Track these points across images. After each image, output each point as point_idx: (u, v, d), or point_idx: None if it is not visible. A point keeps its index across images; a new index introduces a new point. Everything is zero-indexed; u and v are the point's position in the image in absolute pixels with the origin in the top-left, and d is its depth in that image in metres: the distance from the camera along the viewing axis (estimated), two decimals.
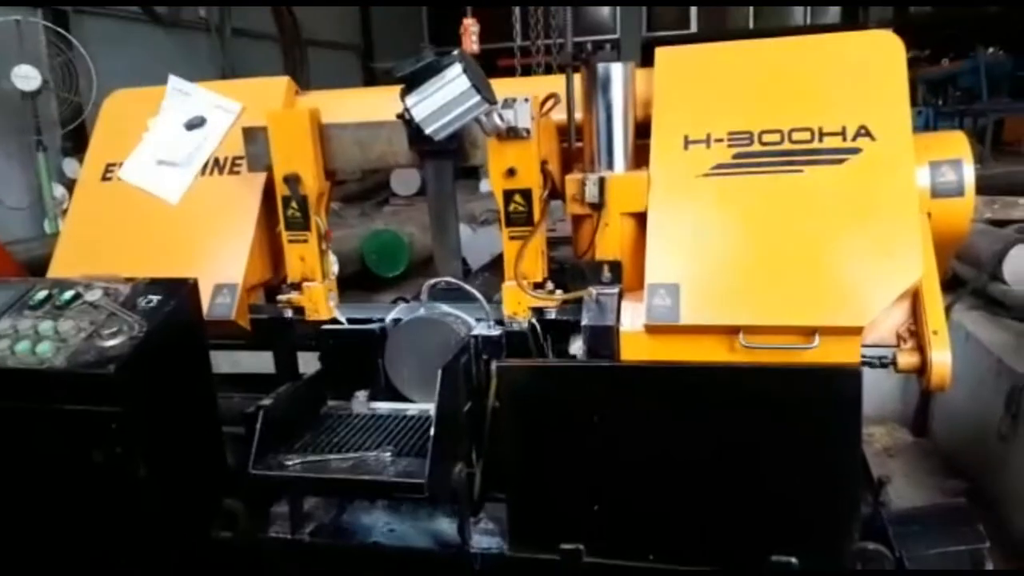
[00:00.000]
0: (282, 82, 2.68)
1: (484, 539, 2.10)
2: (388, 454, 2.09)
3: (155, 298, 2.09)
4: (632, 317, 2.08)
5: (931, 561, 1.87)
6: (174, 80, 2.73)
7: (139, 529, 2.03)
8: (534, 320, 2.25)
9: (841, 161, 2.07)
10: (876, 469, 2.46)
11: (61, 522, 2.07)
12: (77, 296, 2.13)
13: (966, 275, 4.14)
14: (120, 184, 2.65)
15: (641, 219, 2.17)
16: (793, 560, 1.83)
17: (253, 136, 2.42)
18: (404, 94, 1.98)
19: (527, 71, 8.74)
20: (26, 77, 6.12)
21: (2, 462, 2.05)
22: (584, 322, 2.12)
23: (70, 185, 6.14)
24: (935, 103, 11.66)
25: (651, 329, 2.03)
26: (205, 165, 2.62)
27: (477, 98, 1.94)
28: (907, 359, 2.02)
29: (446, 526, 2.16)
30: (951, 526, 1.99)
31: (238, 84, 2.79)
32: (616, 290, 2.17)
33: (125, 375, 1.91)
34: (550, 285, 2.28)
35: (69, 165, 6.91)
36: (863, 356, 2.01)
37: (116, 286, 2.16)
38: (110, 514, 2.03)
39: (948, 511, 2.15)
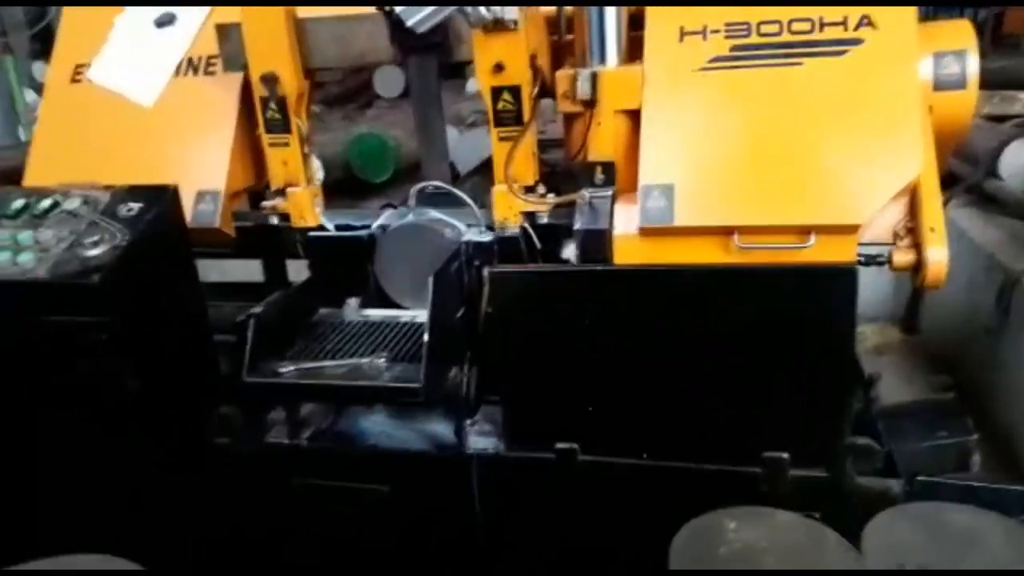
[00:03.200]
0: None
1: (480, 440, 2.12)
2: (383, 360, 2.08)
3: (136, 206, 2.03)
4: (625, 220, 2.04)
5: (919, 454, 1.91)
6: None
7: (133, 439, 2.03)
8: (526, 225, 2.21)
9: (842, 52, 1.99)
10: (867, 366, 2.48)
11: (54, 437, 2.07)
12: (55, 205, 2.07)
13: (961, 172, 4.09)
14: (91, 86, 2.54)
15: (635, 117, 2.09)
16: (785, 455, 1.86)
17: (227, 34, 2.30)
18: None
19: None
20: None
21: None
22: (576, 226, 2.08)
23: (41, 90, 5.91)
24: None
25: (645, 232, 2.00)
26: (179, 65, 2.50)
27: None
28: (903, 257, 1.99)
29: (442, 429, 2.18)
30: (939, 420, 2.03)
31: None
32: (609, 192, 2.12)
33: (111, 284, 1.88)
34: (541, 188, 2.22)
35: (39, 68, 6.63)
36: (859, 254, 1.99)
37: (95, 194, 2.10)
38: (104, 425, 2.03)
39: (936, 405, 2.19)
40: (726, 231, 1.96)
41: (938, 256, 1.93)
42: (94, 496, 2.13)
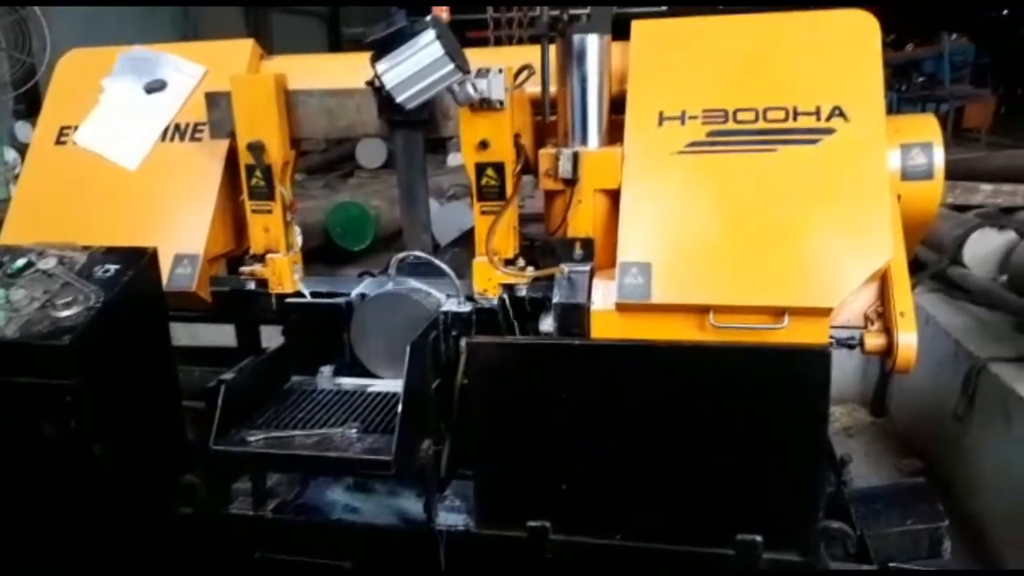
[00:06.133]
0: (247, 45, 2.58)
1: (450, 516, 2.08)
2: (354, 431, 2.05)
3: (112, 267, 2.02)
4: (603, 295, 2.07)
5: (892, 539, 1.90)
6: (131, 53, 2.62)
7: (95, 505, 1.97)
8: (504, 297, 2.22)
9: (815, 141, 2.07)
10: (836, 448, 2.49)
11: (14, 498, 2.00)
12: (29, 264, 2.05)
13: (927, 258, 4.21)
14: (75, 148, 2.55)
15: (614, 196, 2.15)
16: (758, 538, 1.84)
17: (216, 102, 2.34)
18: (374, 60, 1.93)
19: (499, 42, 8.63)
20: None
21: None
22: (555, 299, 2.11)
23: (22, 149, 5.91)
24: (898, 88, 11.81)
25: (622, 307, 2.02)
26: (165, 131, 2.53)
27: (451, 66, 1.89)
28: (874, 341, 2.03)
29: (411, 503, 2.14)
30: (911, 505, 2.03)
31: (200, 47, 2.69)
32: (588, 268, 2.15)
33: (81, 346, 1.85)
34: (521, 262, 2.25)
35: (22, 129, 6.66)
36: (831, 337, 2.02)
37: (71, 254, 2.08)
38: (65, 490, 1.97)
39: (908, 490, 2.18)
40: (702, 310, 1.99)
41: (908, 340, 1.98)
42: (53, 563, 2.04)
